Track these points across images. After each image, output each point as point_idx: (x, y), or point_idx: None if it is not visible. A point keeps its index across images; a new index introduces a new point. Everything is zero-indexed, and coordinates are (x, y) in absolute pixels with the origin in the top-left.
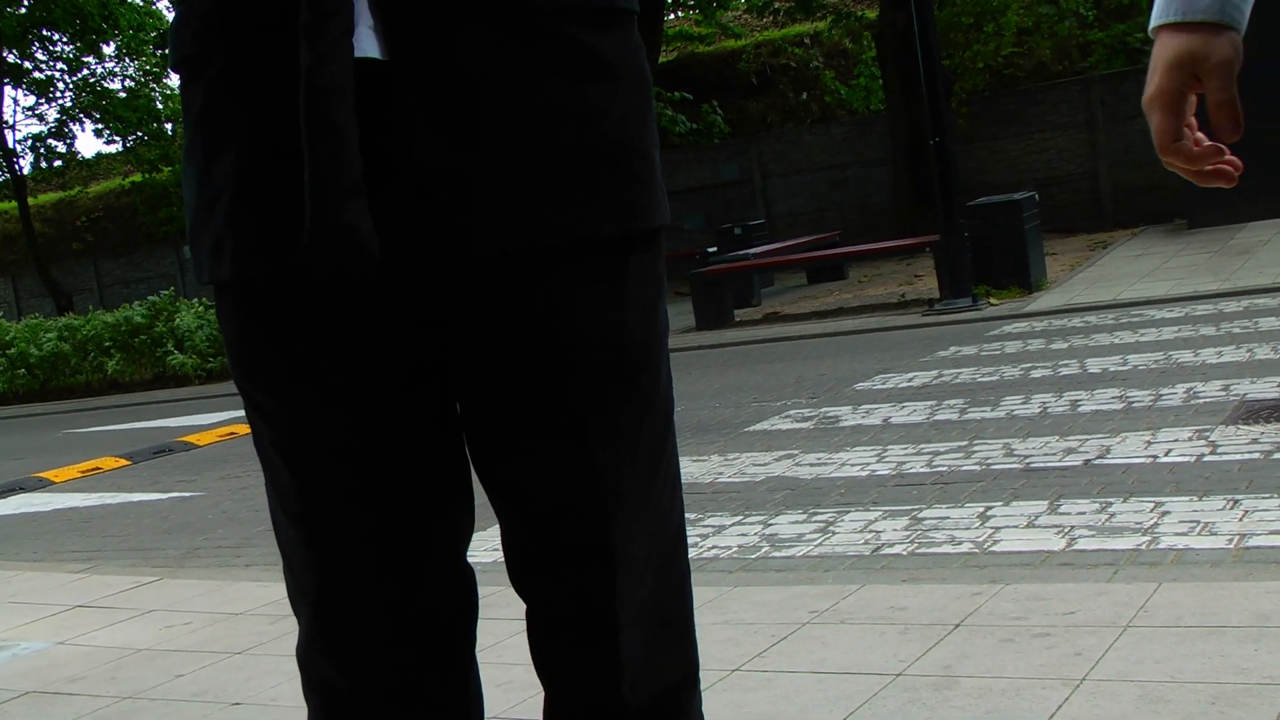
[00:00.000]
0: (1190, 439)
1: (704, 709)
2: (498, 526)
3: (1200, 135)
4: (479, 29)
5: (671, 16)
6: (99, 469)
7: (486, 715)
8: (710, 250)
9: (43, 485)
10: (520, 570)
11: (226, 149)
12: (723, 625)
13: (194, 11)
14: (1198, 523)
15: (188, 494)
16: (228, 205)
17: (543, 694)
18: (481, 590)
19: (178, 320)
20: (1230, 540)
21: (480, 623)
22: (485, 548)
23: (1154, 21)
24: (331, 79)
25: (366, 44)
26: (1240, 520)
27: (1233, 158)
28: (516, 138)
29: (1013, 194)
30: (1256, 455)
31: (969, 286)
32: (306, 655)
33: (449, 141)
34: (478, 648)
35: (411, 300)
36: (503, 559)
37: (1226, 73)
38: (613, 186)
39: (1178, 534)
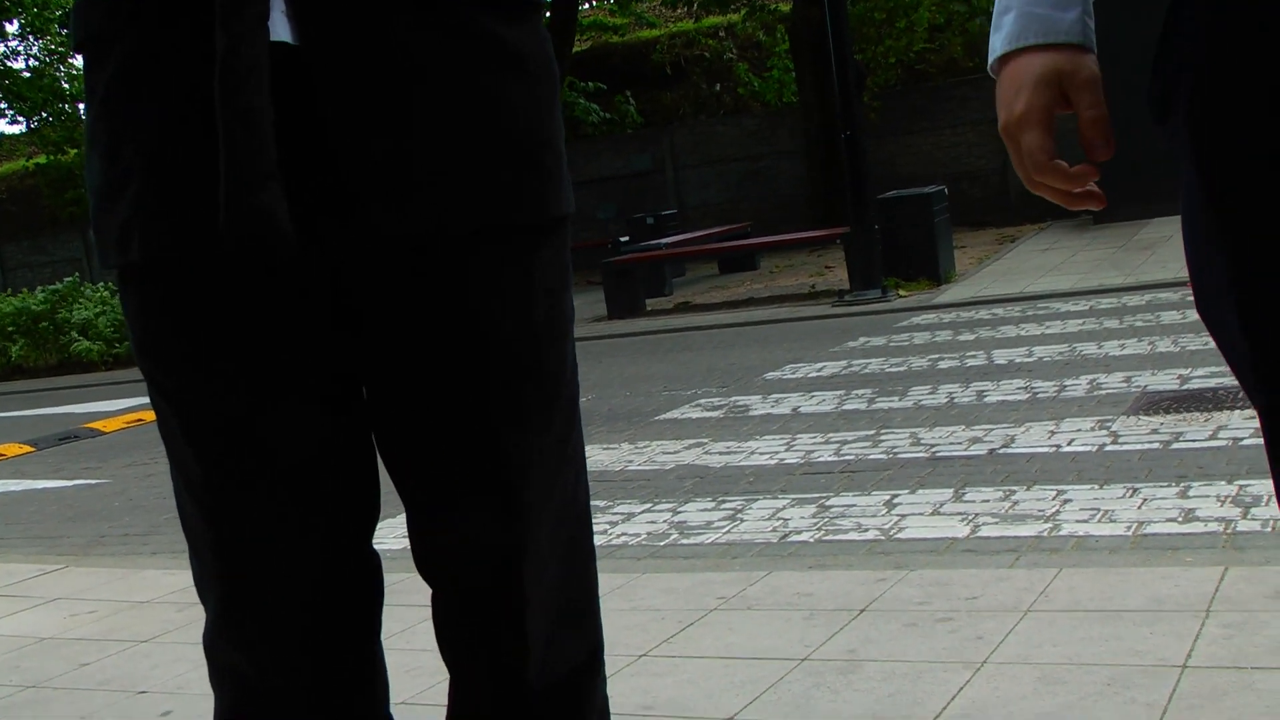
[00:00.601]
0: (1092, 429)
1: (612, 694)
2: (404, 514)
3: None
4: (390, 16)
5: (586, 6)
6: (2, 456)
7: (394, 701)
8: (622, 239)
9: None
10: (426, 555)
11: (135, 132)
12: (631, 611)
13: None
14: (1098, 510)
15: (93, 481)
16: (137, 189)
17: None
18: (390, 577)
19: (75, 311)
20: (1129, 527)
21: (389, 609)
22: (394, 535)
23: (1007, 46)
24: (248, 63)
25: (280, 29)
26: (1139, 508)
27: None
28: (427, 126)
29: (923, 187)
30: (1156, 445)
31: (879, 278)
32: (213, 643)
33: (360, 127)
34: (386, 634)
35: (319, 284)
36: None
37: (1096, 87)
38: (520, 175)
39: (1079, 521)
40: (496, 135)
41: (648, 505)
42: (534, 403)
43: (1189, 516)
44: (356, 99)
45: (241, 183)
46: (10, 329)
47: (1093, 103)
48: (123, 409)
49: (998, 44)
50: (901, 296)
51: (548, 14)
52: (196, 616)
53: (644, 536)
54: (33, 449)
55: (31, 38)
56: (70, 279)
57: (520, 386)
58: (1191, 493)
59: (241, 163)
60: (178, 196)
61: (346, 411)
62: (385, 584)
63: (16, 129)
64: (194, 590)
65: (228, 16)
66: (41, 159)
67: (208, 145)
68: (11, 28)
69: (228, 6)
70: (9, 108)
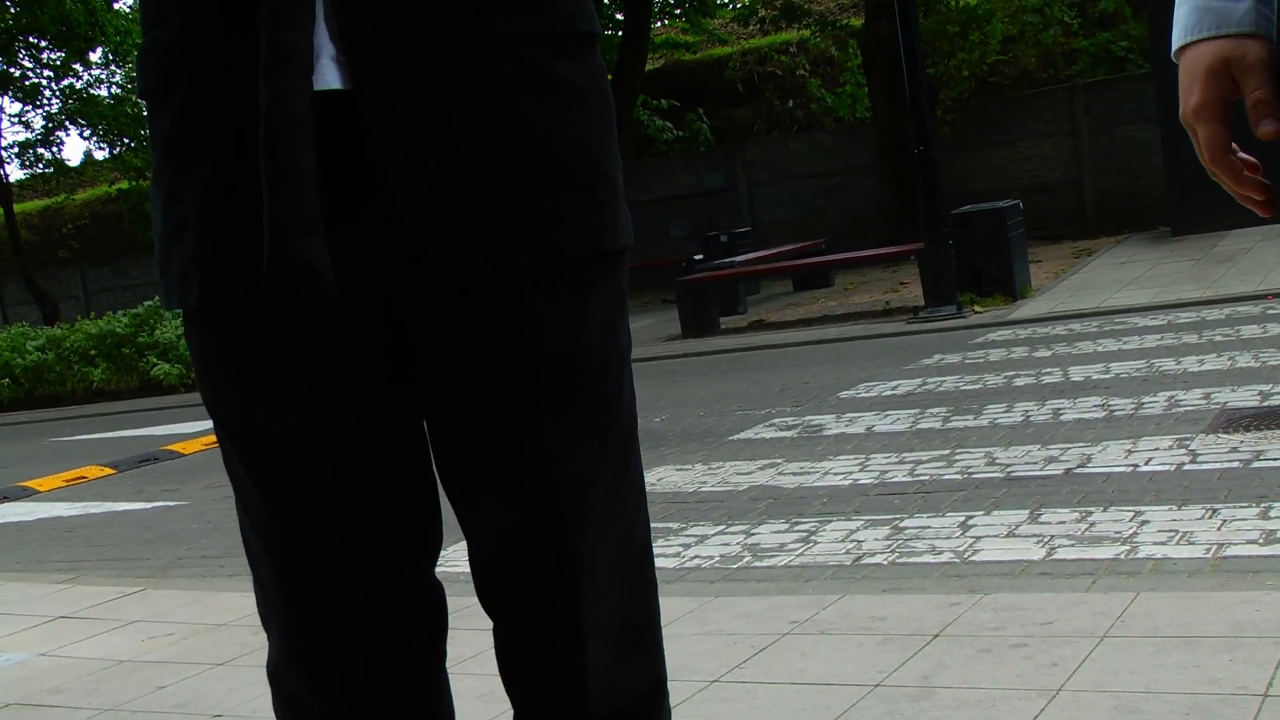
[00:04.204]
0: (1171, 448)
1: None
2: None
3: (1244, 156)
4: (443, 54)
5: (658, 24)
6: (83, 478)
7: None
8: (696, 258)
9: (27, 494)
10: (486, 585)
11: (191, 180)
12: (702, 636)
13: (159, 43)
14: (1176, 532)
15: (172, 503)
16: (194, 236)
17: None
18: (463, 601)
19: (157, 333)
20: (1208, 550)
21: (461, 633)
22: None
23: (1183, 38)
24: (290, 117)
25: (329, 76)
26: (1219, 530)
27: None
28: (481, 159)
29: (997, 202)
30: (1236, 464)
31: (953, 294)
32: (277, 672)
33: (415, 163)
34: (459, 659)
35: (378, 320)
36: None
37: (1261, 70)
38: (576, 208)
39: (1156, 543)
40: (549, 167)
41: (721, 527)
42: (588, 434)
43: (1270, 538)
44: (408, 136)
45: (283, 233)
46: (93, 352)
47: (1256, 85)
48: (201, 431)
49: (1175, 36)
50: (977, 312)
51: (619, 33)
52: None
53: (717, 559)
54: (113, 471)
55: (115, 66)
56: (150, 303)
57: (575, 418)
58: (1273, 513)
59: (284, 214)
60: (229, 246)
61: (406, 442)
62: (459, 607)
63: (101, 155)
64: None
65: (271, 72)
66: (124, 184)
67: (255, 196)
68: (95, 56)
69: (272, 61)
70: (93, 134)
